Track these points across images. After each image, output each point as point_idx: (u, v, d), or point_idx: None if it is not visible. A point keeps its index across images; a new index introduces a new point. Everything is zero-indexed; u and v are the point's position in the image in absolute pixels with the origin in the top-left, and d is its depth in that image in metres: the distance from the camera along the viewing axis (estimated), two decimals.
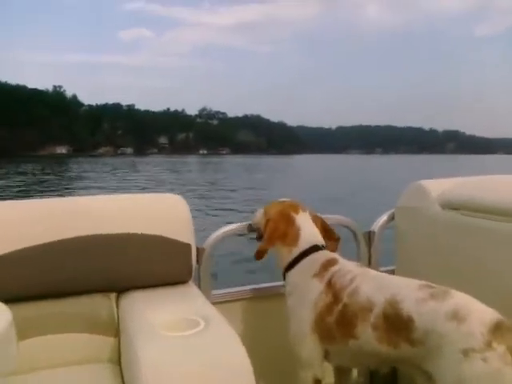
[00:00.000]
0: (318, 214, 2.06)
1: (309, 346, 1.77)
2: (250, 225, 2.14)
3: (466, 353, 1.34)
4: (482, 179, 2.30)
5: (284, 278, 1.93)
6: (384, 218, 2.44)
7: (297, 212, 1.97)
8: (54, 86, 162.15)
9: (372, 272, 1.82)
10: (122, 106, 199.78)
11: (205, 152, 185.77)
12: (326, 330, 1.72)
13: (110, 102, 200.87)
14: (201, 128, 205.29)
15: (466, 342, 1.35)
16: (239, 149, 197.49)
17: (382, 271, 2.23)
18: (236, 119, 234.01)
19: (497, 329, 1.35)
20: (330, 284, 1.75)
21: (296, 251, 1.89)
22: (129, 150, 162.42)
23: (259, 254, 1.93)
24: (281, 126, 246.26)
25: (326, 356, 1.79)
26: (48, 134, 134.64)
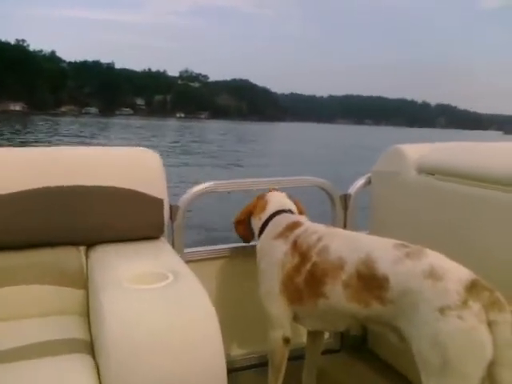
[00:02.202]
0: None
1: (278, 306, 1.80)
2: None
3: (441, 310, 1.34)
4: (457, 145, 2.31)
5: None
6: (361, 181, 2.45)
7: (270, 192, 2.12)
8: (17, 40, 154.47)
9: (342, 231, 1.87)
10: (101, 63, 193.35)
11: (182, 115, 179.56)
12: (294, 290, 1.74)
13: (96, 59, 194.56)
14: (180, 90, 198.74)
15: (442, 300, 1.36)
16: (219, 113, 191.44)
17: None
18: (218, 83, 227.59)
19: (472, 287, 1.36)
20: (295, 245, 1.78)
21: (264, 217, 2.00)
22: (93, 110, 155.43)
23: (235, 227, 2.10)
24: (264, 92, 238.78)
25: (296, 318, 1.81)
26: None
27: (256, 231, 2.03)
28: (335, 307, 1.62)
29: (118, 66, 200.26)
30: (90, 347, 1.51)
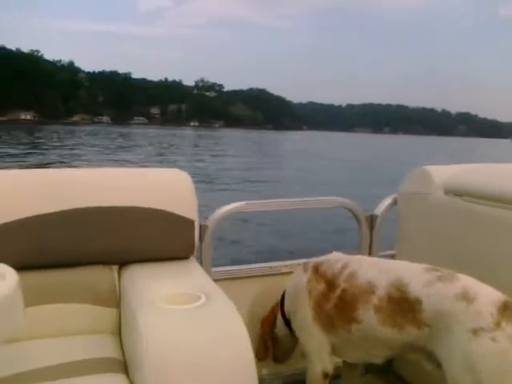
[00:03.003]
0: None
1: (313, 338, 1.80)
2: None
3: (475, 332, 1.34)
4: (485, 166, 2.31)
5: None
6: (387, 201, 2.45)
7: None
8: (31, 50, 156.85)
9: (366, 258, 1.87)
10: (118, 73, 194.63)
11: (196, 124, 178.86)
12: (325, 317, 1.75)
13: (114, 70, 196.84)
14: (195, 99, 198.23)
15: (475, 322, 1.35)
16: (233, 122, 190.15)
17: (383, 255, 2.34)
18: (234, 92, 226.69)
19: (505, 309, 1.36)
20: (317, 272, 1.80)
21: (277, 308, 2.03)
22: (105, 119, 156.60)
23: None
24: (279, 101, 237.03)
25: (334, 351, 1.81)
26: (9, 98, 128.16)
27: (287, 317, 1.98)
28: (369, 333, 1.62)
29: (135, 76, 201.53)
30: (123, 366, 1.53)
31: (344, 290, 1.68)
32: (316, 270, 1.80)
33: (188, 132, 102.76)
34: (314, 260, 1.88)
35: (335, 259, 1.81)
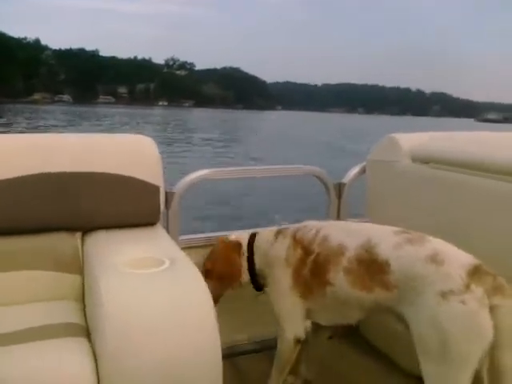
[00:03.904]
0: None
1: (290, 302, 1.78)
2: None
3: (444, 295, 1.35)
4: (451, 134, 2.38)
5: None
6: (355, 170, 2.48)
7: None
8: None
9: (337, 222, 1.89)
10: (86, 51, 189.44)
11: (165, 104, 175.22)
12: (303, 283, 1.75)
13: (83, 48, 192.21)
14: (165, 78, 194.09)
15: (444, 284, 1.36)
16: (203, 102, 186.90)
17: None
18: (206, 71, 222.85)
19: (475, 272, 1.37)
20: (295, 239, 1.80)
21: (244, 251, 1.94)
22: (65, 98, 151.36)
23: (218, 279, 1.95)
24: (253, 80, 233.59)
25: (309, 314, 1.80)
26: None
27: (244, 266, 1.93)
28: (341, 294, 1.63)
29: (105, 54, 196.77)
30: (85, 331, 1.52)
31: (318, 254, 1.69)
32: (294, 236, 1.80)
33: (145, 111, 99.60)
34: (291, 227, 1.86)
35: (309, 227, 1.80)
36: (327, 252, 1.67)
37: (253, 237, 1.95)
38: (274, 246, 1.85)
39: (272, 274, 1.85)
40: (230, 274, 1.93)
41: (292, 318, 1.80)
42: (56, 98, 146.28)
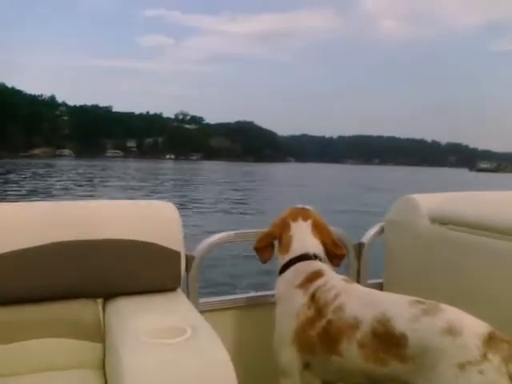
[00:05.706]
0: (329, 227, 2.05)
1: (287, 354, 1.79)
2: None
3: (462, 366, 1.34)
4: (470, 195, 2.37)
5: None
6: (374, 230, 2.45)
7: (295, 220, 1.99)
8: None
9: (358, 288, 1.83)
10: (99, 107, 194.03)
11: (172, 157, 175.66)
12: (306, 342, 1.74)
13: (97, 104, 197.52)
14: (174, 132, 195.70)
15: (461, 356, 1.35)
16: (212, 155, 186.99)
17: (371, 284, 2.33)
18: (217, 125, 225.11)
19: (490, 340, 1.36)
20: (313, 298, 1.76)
21: (286, 258, 1.93)
22: (66, 152, 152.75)
23: (258, 253, 2.02)
24: (261, 131, 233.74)
25: (308, 367, 1.79)
26: None
27: (278, 266, 1.97)
28: (349, 366, 1.61)
29: (119, 109, 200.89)
30: None
31: (329, 322, 1.67)
32: (313, 295, 1.76)
33: (148, 165, 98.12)
34: (315, 284, 1.80)
35: (331, 285, 1.76)
36: (341, 323, 1.63)
37: (303, 258, 1.90)
38: (295, 292, 1.82)
39: (280, 314, 1.86)
40: (272, 230, 1.99)
41: (289, 367, 1.80)
42: (57, 153, 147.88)
